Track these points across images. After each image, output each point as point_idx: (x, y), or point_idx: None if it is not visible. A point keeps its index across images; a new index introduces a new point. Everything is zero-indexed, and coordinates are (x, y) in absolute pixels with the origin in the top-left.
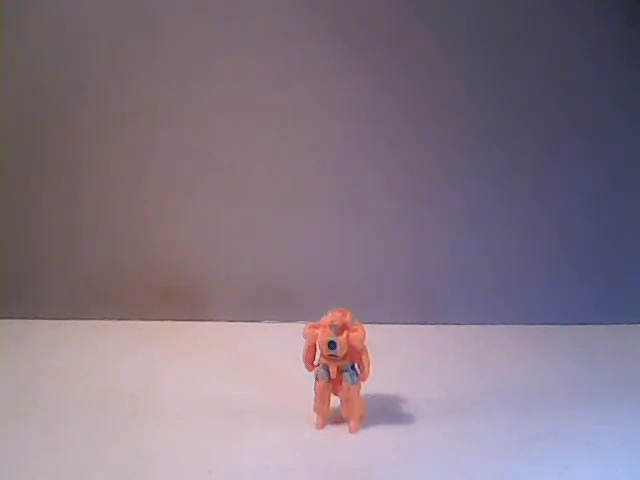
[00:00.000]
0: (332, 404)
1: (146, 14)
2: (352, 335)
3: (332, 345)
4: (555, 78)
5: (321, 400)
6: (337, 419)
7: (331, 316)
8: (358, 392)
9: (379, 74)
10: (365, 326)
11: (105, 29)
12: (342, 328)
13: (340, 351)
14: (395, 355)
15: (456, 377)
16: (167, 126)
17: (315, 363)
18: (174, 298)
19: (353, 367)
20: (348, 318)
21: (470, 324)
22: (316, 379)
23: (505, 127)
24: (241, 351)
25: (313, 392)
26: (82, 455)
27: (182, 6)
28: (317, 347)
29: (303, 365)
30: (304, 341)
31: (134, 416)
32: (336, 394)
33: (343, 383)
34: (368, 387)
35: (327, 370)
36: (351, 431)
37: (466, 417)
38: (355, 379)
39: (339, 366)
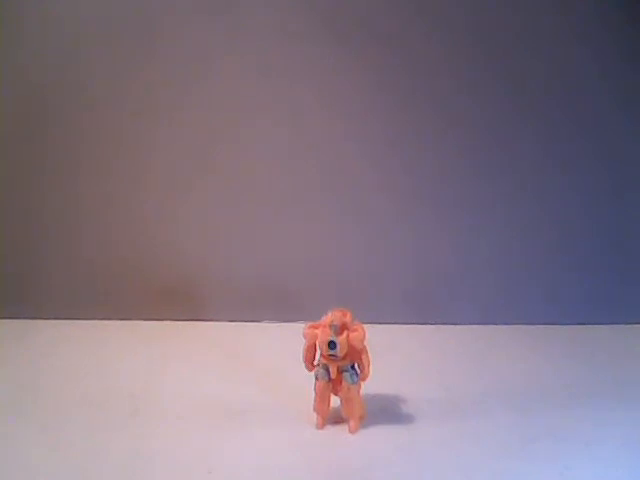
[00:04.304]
0: (332, 404)
1: (146, 14)
2: (352, 335)
3: (332, 345)
4: (555, 78)
5: (321, 400)
6: (337, 419)
7: (331, 316)
8: (358, 392)
9: (379, 74)
10: (365, 326)
11: (105, 29)
12: (342, 328)
13: (340, 351)
14: (395, 355)
15: (456, 377)
16: (167, 126)
17: (315, 363)
18: (174, 298)
19: (353, 367)
20: (348, 318)
21: (470, 324)
22: (316, 379)
23: (505, 127)
24: (241, 351)
25: (313, 392)
26: (82, 455)
27: (182, 6)
28: (317, 347)
29: (303, 365)
30: (304, 341)
31: (134, 416)
32: (336, 394)
33: (343, 383)
34: (368, 387)
35: (327, 370)
36: (351, 431)
37: (466, 417)
38: (355, 379)
39: (339, 366)
